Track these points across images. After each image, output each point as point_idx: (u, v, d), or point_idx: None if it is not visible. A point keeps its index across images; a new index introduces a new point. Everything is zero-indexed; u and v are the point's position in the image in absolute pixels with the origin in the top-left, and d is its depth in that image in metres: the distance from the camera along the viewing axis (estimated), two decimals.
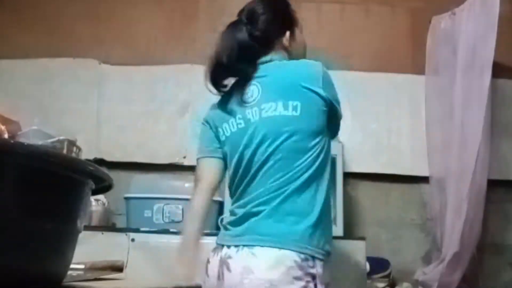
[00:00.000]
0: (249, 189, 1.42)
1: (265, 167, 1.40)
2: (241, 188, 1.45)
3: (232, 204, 1.48)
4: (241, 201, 1.43)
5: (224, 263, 1.38)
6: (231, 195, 1.51)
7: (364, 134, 2.84)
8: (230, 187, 1.52)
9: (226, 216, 1.53)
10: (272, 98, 1.42)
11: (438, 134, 2.73)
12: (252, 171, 1.42)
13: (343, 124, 2.75)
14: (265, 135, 1.41)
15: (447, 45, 2.73)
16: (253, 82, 1.46)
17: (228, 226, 1.44)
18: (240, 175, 1.45)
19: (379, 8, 2.98)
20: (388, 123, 2.86)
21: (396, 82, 2.89)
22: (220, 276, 1.38)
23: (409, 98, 2.88)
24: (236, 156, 1.45)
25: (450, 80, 2.65)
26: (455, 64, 2.62)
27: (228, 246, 1.40)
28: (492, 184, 2.61)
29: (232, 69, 1.47)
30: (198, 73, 2.83)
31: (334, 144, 2.52)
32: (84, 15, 2.97)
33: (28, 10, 2.98)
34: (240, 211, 1.42)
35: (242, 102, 1.45)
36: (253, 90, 1.45)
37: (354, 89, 2.87)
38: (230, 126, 1.49)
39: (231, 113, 1.48)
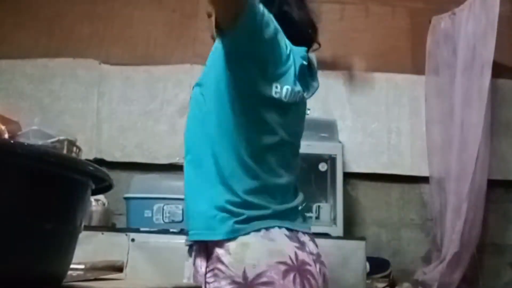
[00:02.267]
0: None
1: None
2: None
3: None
4: None
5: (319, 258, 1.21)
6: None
7: (364, 134, 2.84)
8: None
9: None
10: None
11: (438, 134, 2.73)
12: None
13: (343, 124, 2.79)
14: None
15: (447, 45, 2.73)
16: None
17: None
18: None
19: (379, 8, 2.98)
20: (388, 123, 2.86)
21: (396, 82, 2.89)
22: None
23: (409, 98, 2.88)
24: None
25: (450, 80, 2.66)
26: (455, 64, 2.62)
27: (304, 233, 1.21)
28: (492, 184, 2.61)
29: None
30: (198, 73, 2.87)
31: (334, 144, 2.54)
32: (84, 15, 2.97)
33: (28, 10, 2.98)
34: None
35: None
36: None
37: (354, 89, 2.87)
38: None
39: None
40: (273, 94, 1.19)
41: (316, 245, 1.23)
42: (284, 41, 1.24)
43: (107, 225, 2.48)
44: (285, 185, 1.23)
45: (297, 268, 1.10)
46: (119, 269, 1.52)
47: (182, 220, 2.36)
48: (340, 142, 2.58)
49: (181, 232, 2.21)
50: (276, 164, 1.21)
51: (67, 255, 0.87)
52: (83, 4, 3.00)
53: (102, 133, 2.83)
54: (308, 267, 1.13)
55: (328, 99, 2.87)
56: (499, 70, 2.63)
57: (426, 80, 2.81)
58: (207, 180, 1.17)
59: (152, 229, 2.24)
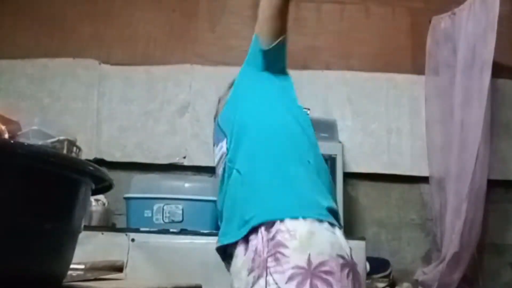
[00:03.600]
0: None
1: None
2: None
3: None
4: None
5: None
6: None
7: (364, 134, 2.84)
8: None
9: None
10: None
11: (438, 134, 2.73)
12: None
13: (343, 124, 2.79)
14: None
15: (447, 45, 2.73)
16: None
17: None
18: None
19: (379, 8, 2.98)
20: (388, 123, 2.86)
21: (396, 82, 2.89)
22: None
23: (409, 98, 2.88)
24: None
25: (450, 80, 2.66)
26: (455, 64, 2.62)
27: None
28: (492, 184, 2.61)
29: None
30: (198, 73, 2.89)
31: (334, 144, 2.54)
32: (84, 15, 2.97)
33: (28, 10, 2.98)
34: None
35: None
36: None
37: (354, 89, 2.87)
38: None
39: None
40: None
41: None
42: None
43: (107, 225, 2.48)
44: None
45: (351, 265, 1.16)
46: (119, 269, 1.51)
47: (182, 220, 2.36)
48: (340, 142, 2.58)
49: (181, 232, 2.21)
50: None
51: (67, 255, 0.87)
52: (83, 4, 3.00)
53: (102, 133, 2.83)
54: (356, 267, 1.19)
55: (328, 99, 2.87)
56: (499, 70, 2.64)
57: (426, 80, 2.81)
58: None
59: (152, 229, 2.24)
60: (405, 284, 2.56)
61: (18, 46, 2.92)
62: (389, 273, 2.55)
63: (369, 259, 2.25)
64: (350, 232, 2.61)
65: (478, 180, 2.46)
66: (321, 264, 1.11)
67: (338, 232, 1.20)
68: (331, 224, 1.20)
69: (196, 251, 2.14)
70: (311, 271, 1.10)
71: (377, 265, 2.50)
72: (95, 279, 1.23)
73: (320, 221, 1.18)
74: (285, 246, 1.13)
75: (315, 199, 1.23)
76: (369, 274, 2.34)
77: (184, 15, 2.99)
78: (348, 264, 1.15)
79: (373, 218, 2.80)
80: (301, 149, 1.32)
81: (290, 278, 1.10)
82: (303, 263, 1.11)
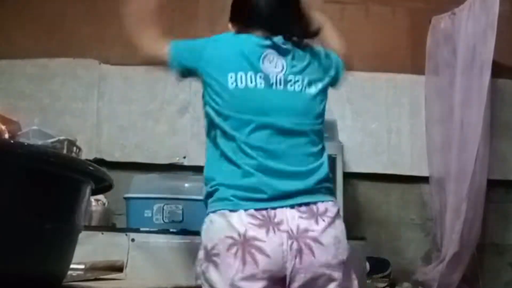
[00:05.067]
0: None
1: None
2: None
3: None
4: None
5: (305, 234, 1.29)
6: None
7: (364, 134, 2.84)
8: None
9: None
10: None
11: (438, 134, 2.73)
12: None
13: (343, 124, 2.79)
14: None
15: (447, 45, 2.73)
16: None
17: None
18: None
19: (379, 8, 2.98)
20: (388, 123, 2.86)
21: (396, 82, 2.90)
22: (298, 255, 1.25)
23: (409, 98, 2.88)
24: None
25: (450, 80, 2.66)
26: (455, 64, 2.62)
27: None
28: (492, 184, 2.61)
29: None
30: None
31: (334, 144, 2.53)
32: (84, 15, 2.97)
33: (28, 10, 2.97)
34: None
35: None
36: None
37: (354, 89, 2.87)
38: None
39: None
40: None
41: (312, 221, 1.34)
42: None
43: (107, 225, 2.48)
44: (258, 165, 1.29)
45: (241, 243, 1.22)
46: (119, 269, 1.52)
47: (182, 220, 2.36)
48: (340, 142, 2.58)
49: (181, 232, 2.21)
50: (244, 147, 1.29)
51: (67, 255, 0.88)
52: (83, 4, 3.00)
53: (102, 133, 2.83)
54: (257, 243, 1.21)
55: (328, 99, 2.87)
56: (499, 70, 2.64)
57: (426, 80, 2.81)
58: None
59: (152, 229, 2.24)
60: (405, 284, 2.56)
61: (18, 46, 2.91)
62: (389, 273, 2.55)
63: (369, 259, 2.25)
64: (350, 232, 2.60)
65: (478, 180, 2.46)
66: (212, 248, 1.25)
67: (234, 214, 1.25)
68: (232, 210, 1.26)
69: (196, 251, 2.14)
70: (208, 254, 1.26)
71: (377, 265, 2.50)
72: (95, 279, 1.23)
73: (214, 211, 1.29)
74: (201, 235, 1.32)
75: (217, 190, 1.30)
76: (369, 274, 2.34)
77: (184, 15, 2.98)
78: (237, 243, 1.22)
79: (373, 218, 2.80)
80: (210, 137, 1.36)
81: (201, 267, 1.29)
82: (205, 248, 1.27)
